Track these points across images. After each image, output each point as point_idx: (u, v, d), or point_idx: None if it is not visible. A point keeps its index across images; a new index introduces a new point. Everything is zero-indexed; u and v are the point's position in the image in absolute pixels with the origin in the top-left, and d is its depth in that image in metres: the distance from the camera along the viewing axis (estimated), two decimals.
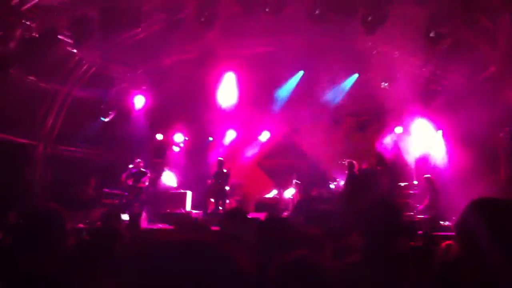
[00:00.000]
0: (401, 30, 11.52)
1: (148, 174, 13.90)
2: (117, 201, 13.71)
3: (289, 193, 14.72)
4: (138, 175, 13.58)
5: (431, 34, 10.03)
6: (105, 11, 10.99)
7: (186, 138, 16.84)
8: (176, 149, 16.65)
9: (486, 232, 1.50)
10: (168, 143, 16.76)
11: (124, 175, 13.50)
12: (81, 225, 10.50)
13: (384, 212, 2.66)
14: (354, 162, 13.28)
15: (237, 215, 3.92)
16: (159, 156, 16.42)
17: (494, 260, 1.45)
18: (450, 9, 9.89)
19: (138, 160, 13.83)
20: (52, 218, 2.45)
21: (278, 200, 14.82)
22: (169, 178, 15.52)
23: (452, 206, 10.48)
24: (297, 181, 14.38)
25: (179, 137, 16.68)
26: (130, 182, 13.44)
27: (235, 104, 15.40)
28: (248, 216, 4.09)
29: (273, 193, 15.28)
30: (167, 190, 14.96)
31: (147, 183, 13.80)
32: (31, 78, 12.41)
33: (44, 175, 13.72)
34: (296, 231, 3.78)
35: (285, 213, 13.84)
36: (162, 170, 15.68)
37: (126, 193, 13.52)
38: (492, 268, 1.49)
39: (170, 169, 15.88)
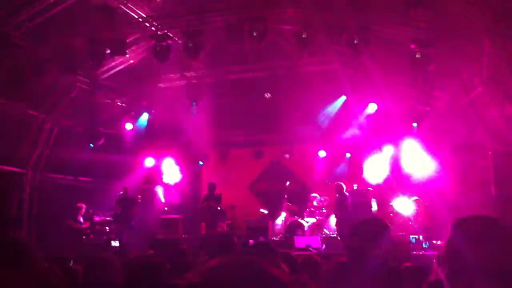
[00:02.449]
0: (387, 51, 11.71)
1: (138, 200, 13.78)
2: (107, 228, 13.55)
3: (281, 217, 14.57)
4: (126, 202, 13.48)
5: (417, 56, 10.18)
6: (92, 40, 11.16)
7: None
8: (166, 176, 16.52)
9: (472, 252, 1.48)
10: (158, 168, 16.63)
11: (115, 202, 13.40)
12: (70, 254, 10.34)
13: (374, 231, 2.66)
14: (342, 183, 13.19)
15: (223, 239, 3.89)
16: (149, 182, 16.25)
17: (480, 283, 1.42)
18: (432, 34, 10.09)
19: (124, 186, 13.69)
20: (14, 251, 1.95)
21: (268, 223, 14.64)
22: (159, 202, 15.38)
23: (443, 224, 10.50)
24: (289, 204, 14.29)
25: (169, 162, 16.57)
26: (118, 209, 13.31)
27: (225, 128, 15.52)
28: (236, 240, 4.05)
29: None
30: (159, 216, 14.74)
31: (135, 209, 13.68)
32: (19, 105, 12.36)
33: (33, 203, 13.55)
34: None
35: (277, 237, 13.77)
36: (153, 196, 15.50)
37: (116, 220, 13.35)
38: None
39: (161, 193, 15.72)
